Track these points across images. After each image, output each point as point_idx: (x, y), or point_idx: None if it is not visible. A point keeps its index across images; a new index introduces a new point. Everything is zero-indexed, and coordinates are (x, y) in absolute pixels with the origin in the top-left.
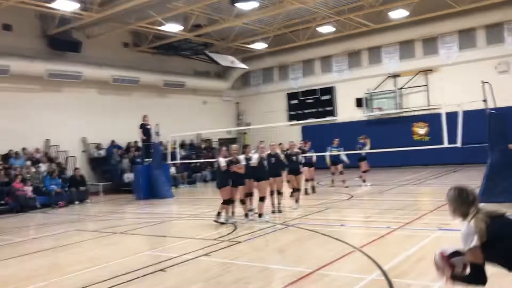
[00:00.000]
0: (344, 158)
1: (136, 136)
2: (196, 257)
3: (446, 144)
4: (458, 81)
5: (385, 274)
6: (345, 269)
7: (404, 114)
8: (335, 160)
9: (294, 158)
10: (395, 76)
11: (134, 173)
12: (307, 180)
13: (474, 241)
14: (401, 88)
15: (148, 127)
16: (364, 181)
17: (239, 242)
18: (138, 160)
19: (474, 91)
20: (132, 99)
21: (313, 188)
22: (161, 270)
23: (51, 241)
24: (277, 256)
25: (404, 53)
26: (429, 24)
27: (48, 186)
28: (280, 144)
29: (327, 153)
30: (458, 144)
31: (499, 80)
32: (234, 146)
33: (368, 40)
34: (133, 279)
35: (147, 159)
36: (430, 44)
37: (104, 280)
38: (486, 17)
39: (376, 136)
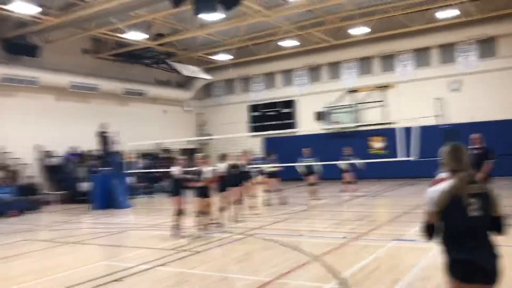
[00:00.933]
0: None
1: (94, 144)
2: (153, 267)
3: (400, 157)
4: (413, 98)
5: (342, 282)
6: (303, 278)
7: (361, 128)
8: (309, 170)
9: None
10: (353, 91)
11: (91, 182)
12: (269, 191)
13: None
14: (359, 103)
15: (107, 135)
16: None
17: (198, 252)
18: (96, 169)
19: (428, 107)
20: (91, 106)
21: (279, 199)
22: (116, 280)
23: (2, 250)
24: (236, 266)
25: (362, 69)
26: (387, 42)
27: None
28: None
29: (298, 164)
30: (412, 157)
31: (451, 97)
32: (200, 155)
33: (328, 55)
34: None
35: (105, 168)
36: (388, 61)
37: None
38: (440, 38)
39: (334, 149)
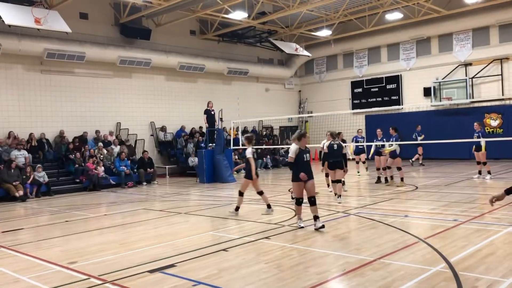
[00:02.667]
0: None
1: (201, 121)
2: (257, 239)
3: None
4: None
5: (451, 266)
6: (408, 259)
7: (476, 105)
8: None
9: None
10: (466, 64)
11: (198, 157)
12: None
13: None
14: (473, 77)
15: (212, 113)
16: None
17: (301, 227)
18: (202, 145)
19: None
20: (198, 85)
21: (387, 178)
22: (223, 250)
23: (120, 218)
24: (338, 243)
25: (477, 40)
26: (506, 9)
27: (118, 167)
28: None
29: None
30: None
31: None
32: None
33: (438, 26)
34: (197, 257)
35: (211, 144)
36: (507, 30)
37: (170, 257)
38: None
39: (445, 127)
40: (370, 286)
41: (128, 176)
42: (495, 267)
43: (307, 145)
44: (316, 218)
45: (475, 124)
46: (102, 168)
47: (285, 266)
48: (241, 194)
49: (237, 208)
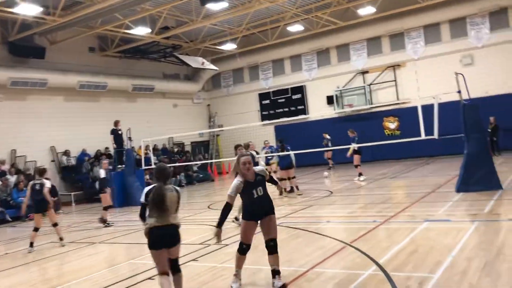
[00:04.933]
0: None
1: (107, 142)
2: (184, 262)
3: (423, 136)
4: (425, 75)
5: (382, 268)
6: (340, 266)
7: (375, 110)
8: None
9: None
10: (364, 72)
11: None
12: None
13: None
14: (370, 84)
15: (120, 132)
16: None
17: (227, 244)
18: (111, 167)
19: (441, 84)
20: (101, 105)
21: (290, 188)
22: (149, 278)
23: (25, 256)
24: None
25: (372, 49)
26: (395, 20)
27: (16, 199)
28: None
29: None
30: (435, 135)
31: (464, 72)
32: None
33: (336, 37)
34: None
35: (120, 166)
36: (397, 39)
37: None
38: (450, 12)
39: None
40: None
41: (28, 208)
42: (421, 264)
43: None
44: (276, 273)
45: (349, 131)
46: None
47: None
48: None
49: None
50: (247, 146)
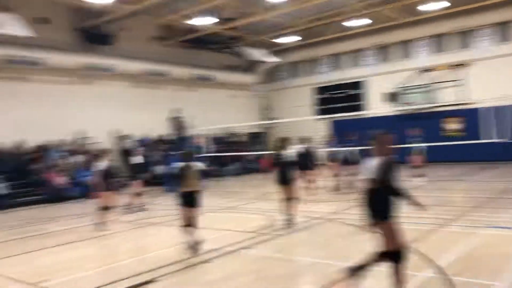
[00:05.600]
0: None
1: (166, 128)
2: (237, 249)
3: (494, 139)
4: (492, 75)
5: (440, 271)
6: None
7: (436, 109)
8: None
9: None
10: (426, 70)
11: (166, 165)
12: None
13: None
14: (433, 82)
15: (180, 120)
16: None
17: (280, 235)
18: (170, 153)
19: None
20: (162, 92)
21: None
22: (204, 262)
23: (88, 231)
24: (322, 251)
25: (436, 46)
26: (463, 17)
27: (82, 177)
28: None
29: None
30: (508, 138)
31: None
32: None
33: (398, 33)
34: (178, 270)
35: (178, 152)
36: (464, 37)
37: (148, 271)
38: None
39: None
40: None
41: (91, 186)
42: (482, 270)
43: None
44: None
45: (413, 130)
46: (65, 178)
47: (272, 277)
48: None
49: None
50: (304, 140)
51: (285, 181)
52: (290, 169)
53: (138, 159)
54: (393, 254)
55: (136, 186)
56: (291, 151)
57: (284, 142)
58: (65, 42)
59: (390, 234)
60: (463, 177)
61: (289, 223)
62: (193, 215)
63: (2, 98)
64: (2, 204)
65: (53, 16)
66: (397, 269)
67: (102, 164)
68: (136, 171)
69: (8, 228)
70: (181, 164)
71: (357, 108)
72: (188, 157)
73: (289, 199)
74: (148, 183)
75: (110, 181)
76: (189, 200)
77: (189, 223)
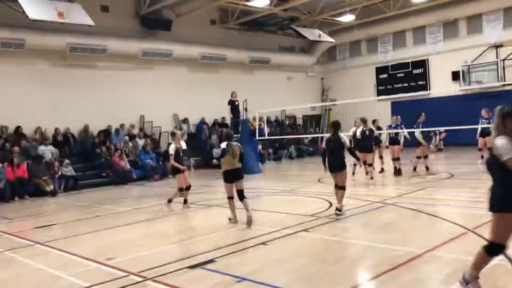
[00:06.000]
0: None
1: (223, 112)
2: (295, 232)
3: None
4: None
5: (509, 258)
6: (459, 251)
7: (507, 88)
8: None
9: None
10: (497, 46)
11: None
12: (393, 160)
13: None
14: (504, 59)
15: (237, 103)
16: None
17: (338, 219)
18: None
19: None
20: (219, 76)
21: (398, 170)
22: (262, 243)
23: (150, 212)
24: (382, 235)
25: (508, 21)
26: None
27: (143, 160)
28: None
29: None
30: None
31: None
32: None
33: (466, 7)
34: (236, 251)
35: (235, 135)
36: None
37: (208, 251)
38: None
39: (475, 112)
40: (426, 281)
41: (154, 169)
42: None
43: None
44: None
45: (483, 110)
46: (127, 161)
47: (330, 260)
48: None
49: None
50: (364, 121)
51: (334, 168)
52: (340, 155)
53: (172, 148)
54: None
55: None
56: (345, 135)
57: (336, 126)
58: (126, 29)
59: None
60: None
61: (338, 213)
62: (239, 187)
63: (69, 85)
64: (70, 186)
65: (112, 3)
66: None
67: (174, 147)
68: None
69: (77, 209)
70: (223, 145)
71: (420, 87)
72: (228, 138)
73: (340, 187)
74: (207, 165)
75: (182, 162)
76: (235, 176)
77: (232, 195)
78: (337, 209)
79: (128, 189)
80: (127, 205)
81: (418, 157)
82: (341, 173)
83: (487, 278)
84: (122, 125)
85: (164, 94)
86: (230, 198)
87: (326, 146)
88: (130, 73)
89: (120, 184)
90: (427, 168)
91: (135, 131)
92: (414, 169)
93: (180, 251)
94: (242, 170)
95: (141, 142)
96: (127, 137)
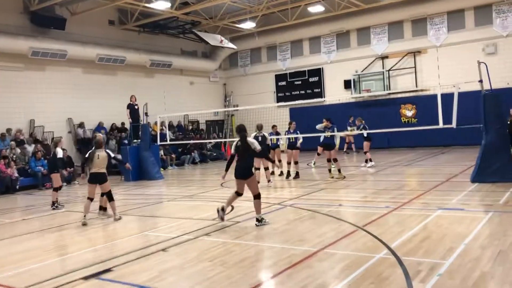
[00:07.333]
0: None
1: (122, 116)
2: (196, 237)
3: (441, 125)
4: (446, 63)
5: (393, 252)
6: (351, 248)
7: (393, 96)
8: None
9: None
10: (383, 57)
11: (122, 154)
12: (288, 163)
13: None
14: (390, 69)
15: (136, 107)
16: (366, 161)
17: (238, 222)
18: (126, 141)
19: (461, 72)
20: (118, 79)
21: (296, 173)
22: (162, 250)
23: (41, 222)
24: (280, 236)
25: (393, 34)
26: (418, 5)
27: (34, 168)
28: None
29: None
30: (453, 125)
31: (487, 62)
32: None
33: (357, 20)
34: (134, 259)
35: (135, 140)
36: (419, 25)
37: (104, 261)
38: None
39: (365, 117)
40: (321, 277)
41: (45, 177)
42: (433, 250)
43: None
44: None
45: (357, 119)
46: (15, 169)
47: (230, 263)
48: None
49: None
50: (260, 128)
51: (239, 174)
52: (248, 161)
53: (60, 152)
54: None
55: (55, 179)
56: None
57: (241, 130)
58: (12, 25)
59: None
60: (416, 162)
61: (258, 224)
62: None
63: None
64: None
65: None
66: None
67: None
68: (58, 165)
69: None
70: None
71: (316, 95)
72: (98, 146)
73: (253, 196)
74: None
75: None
76: (97, 179)
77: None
78: (257, 219)
79: (16, 199)
80: (15, 216)
81: (328, 160)
82: (248, 180)
83: (373, 271)
84: (8, 130)
85: (57, 97)
86: (89, 199)
87: (234, 151)
88: (17, 73)
89: (6, 193)
90: (329, 171)
91: (23, 136)
92: (339, 171)
93: (74, 262)
94: (106, 175)
95: (30, 148)
96: (13, 143)
